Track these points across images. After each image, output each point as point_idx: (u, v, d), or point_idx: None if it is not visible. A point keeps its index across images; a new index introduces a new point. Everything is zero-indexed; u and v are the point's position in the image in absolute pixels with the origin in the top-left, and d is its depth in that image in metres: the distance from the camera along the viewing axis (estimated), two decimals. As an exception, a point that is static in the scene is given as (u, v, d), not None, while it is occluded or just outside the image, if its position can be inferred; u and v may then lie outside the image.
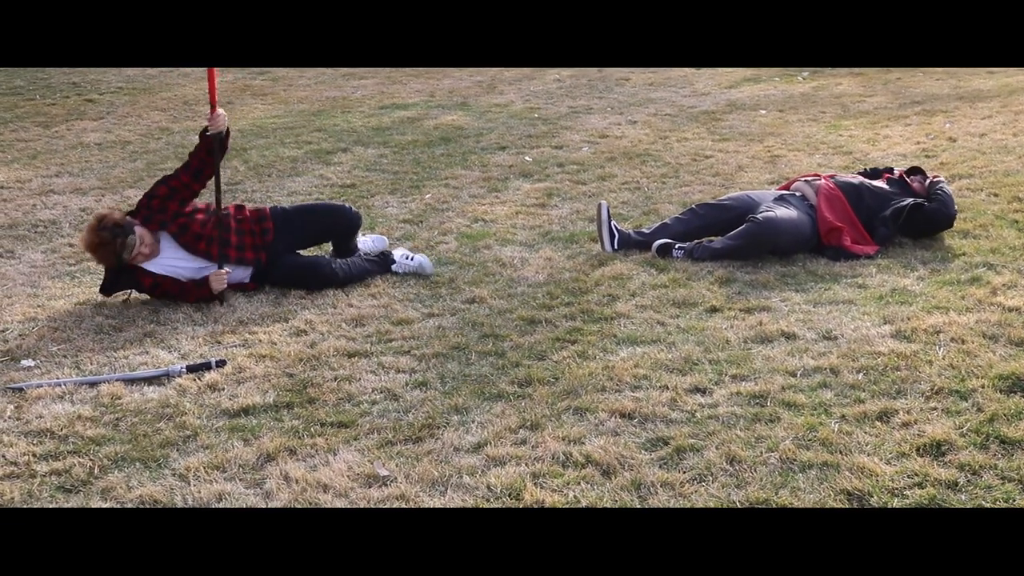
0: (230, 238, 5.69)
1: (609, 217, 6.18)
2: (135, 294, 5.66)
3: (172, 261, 5.63)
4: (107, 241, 5.46)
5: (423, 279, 5.84)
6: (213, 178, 5.68)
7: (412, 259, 5.96)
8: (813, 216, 6.02)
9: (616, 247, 6.13)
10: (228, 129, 5.74)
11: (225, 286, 5.53)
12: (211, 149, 5.64)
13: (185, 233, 5.62)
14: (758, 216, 5.93)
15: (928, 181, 6.40)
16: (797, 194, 6.21)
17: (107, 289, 5.64)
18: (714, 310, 5.26)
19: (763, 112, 10.45)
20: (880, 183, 6.36)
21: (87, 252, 5.67)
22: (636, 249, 6.14)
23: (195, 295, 5.56)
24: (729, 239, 5.96)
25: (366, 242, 6.20)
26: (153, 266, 5.60)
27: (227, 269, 5.57)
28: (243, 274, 5.73)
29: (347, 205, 6.23)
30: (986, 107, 10.25)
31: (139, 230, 5.53)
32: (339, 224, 6.07)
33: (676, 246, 6.02)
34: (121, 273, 5.58)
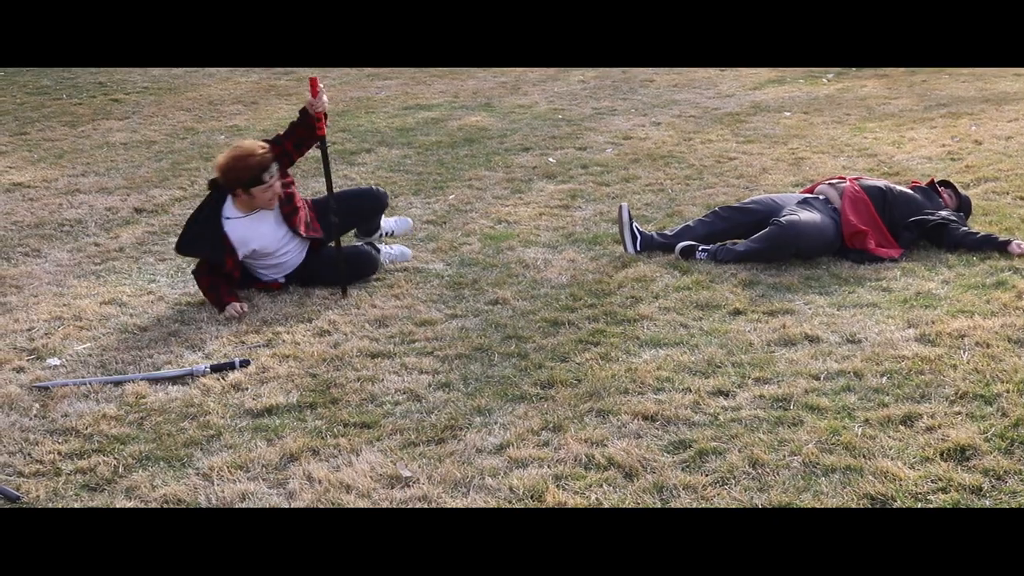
0: (308, 215, 5.85)
1: (631, 219, 6.18)
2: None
3: (260, 224, 5.66)
4: (262, 159, 5.49)
5: (446, 279, 5.84)
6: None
7: (393, 248, 6.15)
8: (837, 219, 6.00)
9: (639, 249, 6.12)
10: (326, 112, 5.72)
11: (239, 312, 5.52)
12: (310, 125, 5.66)
13: (290, 201, 5.73)
14: (781, 219, 5.91)
15: (958, 198, 6.39)
16: (820, 197, 6.18)
17: (185, 246, 5.69)
18: (737, 312, 5.25)
19: (787, 114, 10.42)
20: (906, 188, 6.33)
21: (228, 163, 5.54)
22: (659, 251, 6.13)
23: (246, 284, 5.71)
24: (752, 242, 5.95)
25: (389, 223, 6.30)
26: (241, 227, 5.60)
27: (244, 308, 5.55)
28: (298, 256, 5.80)
29: (373, 186, 6.46)
30: (1012, 110, 10.19)
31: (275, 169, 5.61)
32: (366, 203, 6.21)
33: (700, 248, 6.01)
34: (206, 227, 5.58)
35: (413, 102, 11.50)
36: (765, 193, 6.88)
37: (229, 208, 5.59)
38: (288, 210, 5.72)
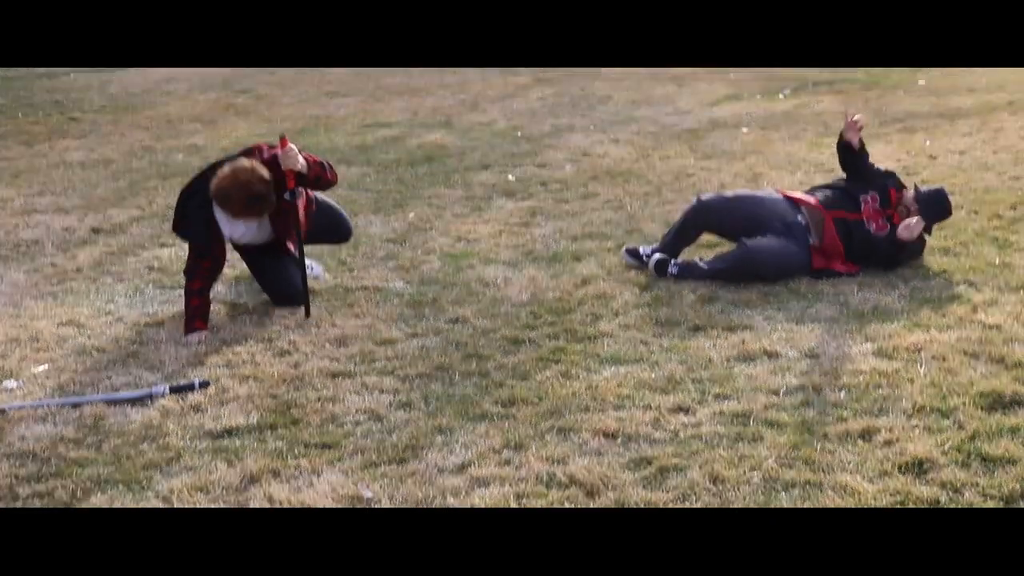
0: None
1: (635, 253, 6.25)
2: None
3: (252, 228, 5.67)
4: (249, 203, 5.40)
5: (406, 298, 5.84)
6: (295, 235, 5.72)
7: (313, 269, 6.10)
8: (807, 253, 5.98)
9: (656, 270, 6.07)
10: (311, 164, 5.57)
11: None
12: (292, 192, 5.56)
13: (286, 219, 5.69)
14: (748, 243, 5.91)
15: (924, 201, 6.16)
16: (802, 222, 6.09)
17: (179, 226, 5.73)
18: (697, 329, 5.27)
19: (745, 130, 10.49)
20: (873, 225, 6.09)
21: (224, 185, 5.35)
22: (637, 265, 6.16)
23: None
24: (718, 261, 5.97)
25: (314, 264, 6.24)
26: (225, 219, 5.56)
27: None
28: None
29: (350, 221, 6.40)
30: (966, 124, 10.32)
31: None
32: (337, 232, 6.24)
33: (672, 263, 6.02)
34: (199, 213, 5.54)
35: (372, 120, 11.49)
36: (769, 186, 6.80)
37: None
38: (281, 228, 5.71)
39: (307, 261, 5.92)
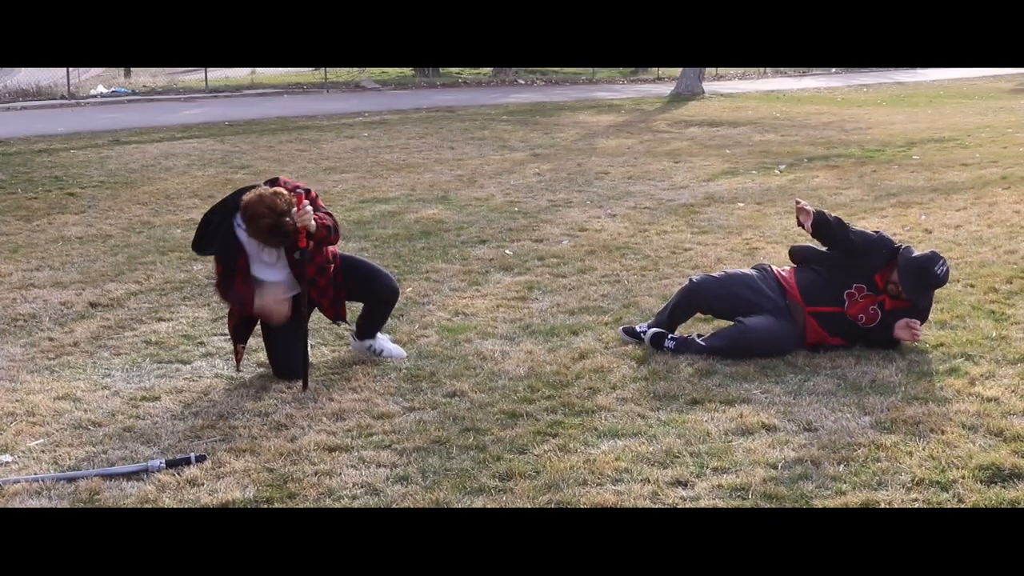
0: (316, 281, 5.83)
1: (632, 332, 6.25)
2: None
3: (268, 268, 5.71)
4: (270, 227, 5.46)
5: (403, 372, 5.83)
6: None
7: (383, 351, 6.08)
8: (800, 331, 5.98)
9: (652, 343, 6.08)
10: (319, 226, 5.61)
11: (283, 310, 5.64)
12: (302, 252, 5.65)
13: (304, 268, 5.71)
14: (744, 321, 5.92)
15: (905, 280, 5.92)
16: (789, 307, 6.03)
17: (200, 244, 5.72)
18: (695, 402, 5.27)
19: (741, 205, 10.56)
20: (863, 318, 5.97)
21: (251, 207, 5.45)
22: (635, 343, 6.15)
23: (248, 309, 5.66)
24: (715, 338, 5.96)
25: (389, 346, 6.15)
26: (246, 239, 5.61)
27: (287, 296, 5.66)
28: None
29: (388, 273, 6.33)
30: (960, 199, 10.39)
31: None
32: (379, 285, 6.07)
33: (668, 337, 6.03)
34: (220, 228, 5.59)
35: (370, 195, 11.56)
36: (760, 262, 6.68)
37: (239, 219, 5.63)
38: (298, 274, 5.73)
39: (380, 339, 5.98)
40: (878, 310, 5.98)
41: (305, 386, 5.61)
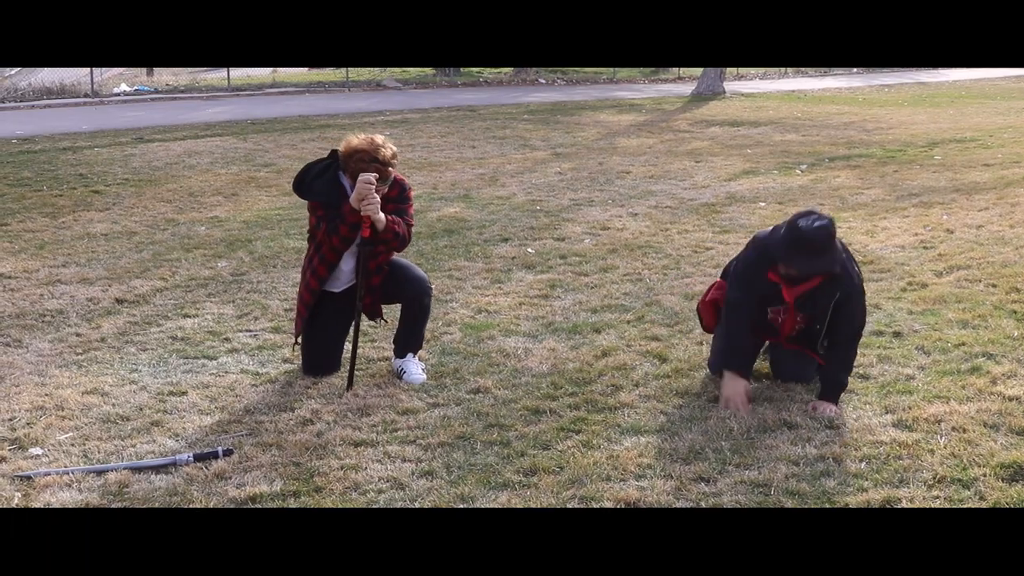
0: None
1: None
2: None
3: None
4: (386, 158, 5.59)
5: (427, 369, 5.87)
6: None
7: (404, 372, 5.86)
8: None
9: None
10: (387, 225, 5.65)
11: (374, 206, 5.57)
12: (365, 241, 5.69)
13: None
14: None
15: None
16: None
17: (303, 188, 5.74)
18: (717, 400, 5.30)
19: (762, 204, 10.57)
20: (792, 324, 5.40)
21: (350, 146, 5.61)
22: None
23: (349, 217, 5.59)
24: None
25: (411, 369, 5.84)
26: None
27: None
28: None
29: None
30: (982, 199, 10.38)
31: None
32: (411, 285, 5.88)
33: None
34: (325, 174, 5.69)
35: (392, 193, 11.59)
36: None
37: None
38: (360, 265, 5.74)
39: (407, 359, 5.84)
40: (795, 311, 5.34)
41: (350, 386, 5.62)
